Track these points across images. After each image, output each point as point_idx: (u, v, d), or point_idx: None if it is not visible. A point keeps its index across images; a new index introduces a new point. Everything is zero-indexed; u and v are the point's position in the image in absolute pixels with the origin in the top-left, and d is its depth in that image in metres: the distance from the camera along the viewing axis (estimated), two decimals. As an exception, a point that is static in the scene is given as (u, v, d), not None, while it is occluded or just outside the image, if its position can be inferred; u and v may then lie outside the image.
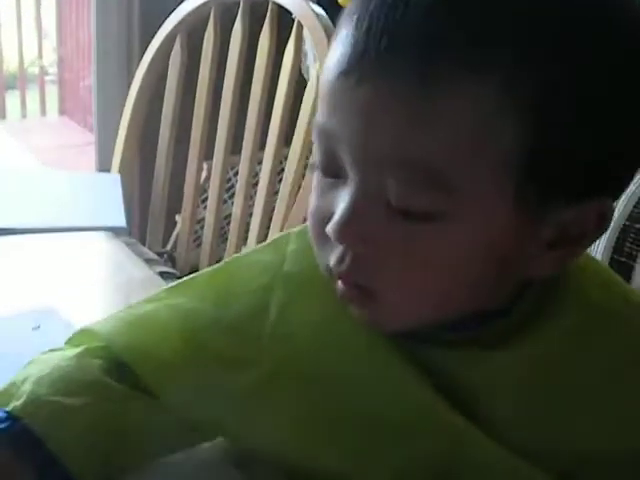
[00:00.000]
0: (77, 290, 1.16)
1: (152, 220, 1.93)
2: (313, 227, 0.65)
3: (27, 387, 0.71)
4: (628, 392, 0.71)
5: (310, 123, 1.57)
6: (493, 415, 0.69)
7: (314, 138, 0.63)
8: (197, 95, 1.84)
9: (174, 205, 1.97)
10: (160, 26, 1.86)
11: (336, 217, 0.61)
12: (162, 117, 1.90)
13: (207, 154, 1.86)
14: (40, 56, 5.43)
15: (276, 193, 1.71)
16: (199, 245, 1.99)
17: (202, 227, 1.94)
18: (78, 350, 0.75)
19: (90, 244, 1.33)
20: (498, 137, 0.56)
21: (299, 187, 1.61)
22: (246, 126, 1.74)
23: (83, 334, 0.78)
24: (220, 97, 1.79)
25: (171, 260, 1.90)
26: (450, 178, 0.57)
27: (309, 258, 0.70)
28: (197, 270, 1.73)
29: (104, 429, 0.71)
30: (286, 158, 1.66)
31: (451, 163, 0.56)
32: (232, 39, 1.76)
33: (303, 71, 2.15)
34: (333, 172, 0.62)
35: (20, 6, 5.29)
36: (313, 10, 1.56)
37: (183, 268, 1.83)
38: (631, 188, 1.27)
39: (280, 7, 1.65)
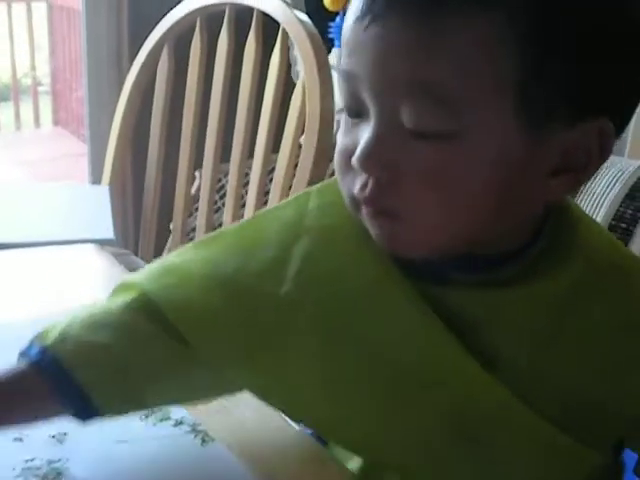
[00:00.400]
0: (67, 304, 1.16)
1: (144, 230, 1.94)
2: (339, 163, 0.72)
3: (60, 327, 0.78)
4: (628, 344, 0.76)
5: (297, 129, 1.58)
6: (499, 357, 0.74)
7: (339, 82, 0.71)
8: (185, 104, 1.85)
9: (168, 214, 1.97)
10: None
11: (359, 148, 0.68)
12: (151, 126, 1.91)
13: (198, 162, 1.86)
14: (33, 68, 5.43)
15: (266, 202, 1.71)
16: (192, 254, 1.98)
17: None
18: (113, 299, 0.81)
19: (78, 257, 1.33)
20: (500, 63, 0.63)
21: (288, 193, 1.61)
22: (234, 133, 1.75)
23: (122, 287, 0.83)
24: (208, 105, 1.80)
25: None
26: (458, 100, 0.64)
27: (330, 212, 0.78)
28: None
29: (127, 366, 0.77)
30: (275, 164, 1.67)
31: (458, 86, 0.64)
32: (218, 47, 1.77)
33: (293, 76, 2.15)
34: (356, 112, 0.69)
35: (12, 18, 5.30)
36: (297, 17, 1.57)
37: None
38: (616, 187, 1.27)
39: (265, 15, 1.65)
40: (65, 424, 0.89)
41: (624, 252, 0.82)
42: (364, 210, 0.71)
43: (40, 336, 0.78)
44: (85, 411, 0.77)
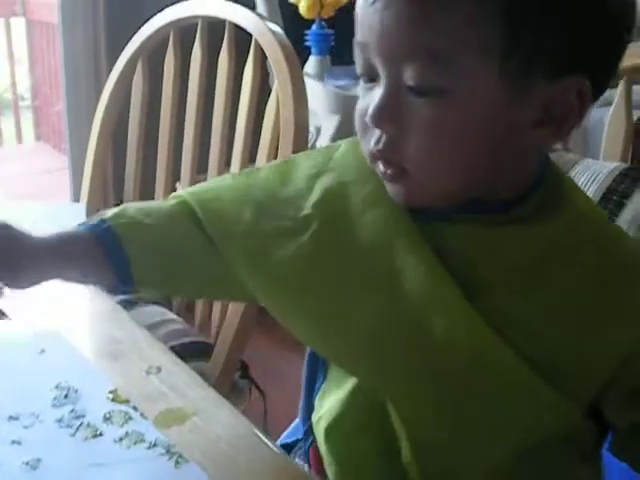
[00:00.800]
0: (43, 321, 1.16)
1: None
2: (357, 122, 0.84)
3: (118, 208, 0.92)
4: (606, 298, 0.83)
5: (272, 139, 1.57)
6: (486, 294, 0.82)
7: (355, 52, 0.83)
8: (161, 116, 1.84)
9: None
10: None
11: (371, 107, 0.80)
12: (128, 139, 1.90)
13: (176, 174, 1.86)
14: (13, 83, 5.41)
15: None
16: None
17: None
18: (164, 201, 0.97)
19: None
20: (483, 29, 0.75)
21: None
22: (211, 144, 1.74)
23: (170, 197, 0.97)
24: (184, 117, 1.79)
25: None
26: (453, 61, 0.76)
27: (351, 159, 0.92)
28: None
29: (167, 249, 0.91)
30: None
31: (454, 51, 0.75)
32: (192, 60, 1.76)
33: (271, 84, 2.14)
34: (370, 77, 0.82)
35: (-10, 34, 5.28)
36: (269, 28, 1.56)
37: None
38: (592, 189, 1.27)
39: (238, 27, 1.65)
40: (38, 450, 0.89)
41: (605, 217, 0.93)
42: (380, 167, 0.83)
43: (99, 214, 0.92)
44: (124, 282, 0.90)
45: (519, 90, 0.78)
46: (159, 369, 1.03)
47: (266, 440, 0.91)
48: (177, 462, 0.87)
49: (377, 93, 0.80)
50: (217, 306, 1.67)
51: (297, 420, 1.07)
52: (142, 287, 0.93)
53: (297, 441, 1.03)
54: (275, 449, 0.91)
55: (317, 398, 0.94)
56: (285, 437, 1.08)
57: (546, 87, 0.78)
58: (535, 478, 0.87)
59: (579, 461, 0.88)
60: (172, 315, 1.71)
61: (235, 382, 1.62)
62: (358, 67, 0.83)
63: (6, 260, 0.85)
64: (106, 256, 0.88)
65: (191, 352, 1.55)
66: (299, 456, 1.01)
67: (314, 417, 0.93)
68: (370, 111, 0.80)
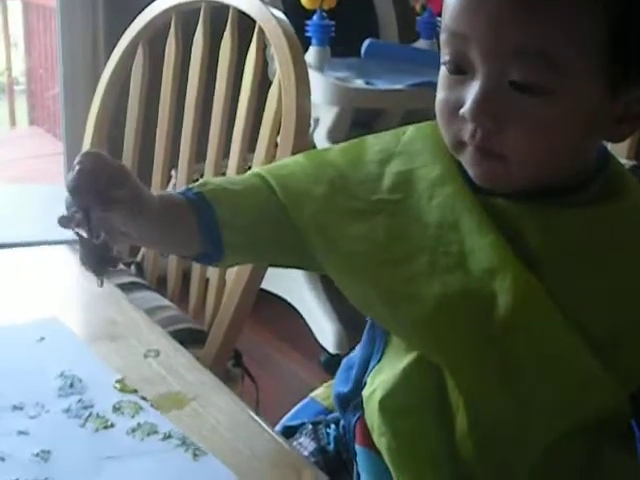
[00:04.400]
0: (38, 305, 1.15)
1: (119, 230, 1.91)
2: (442, 113, 0.85)
3: (202, 180, 0.97)
4: None
5: (273, 129, 1.56)
6: (540, 270, 0.83)
7: (443, 42, 0.83)
8: (161, 102, 1.82)
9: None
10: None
11: (469, 103, 0.81)
12: (126, 124, 1.88)
13: (174, 161, 1.84)
14: (8, 67, 5.38)
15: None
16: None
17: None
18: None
19: (50, 258, 1.31)
20: (596, 34, 0.77)
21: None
22: (210, 132, 1.73)
23: (248, 173, 1.01)
24: (184, 104, 1.78)
25: (140, 270, 1.88)
26: (558, 62, 0.77)
27: (417, 146, 0.94)
28: (164, 279, 1.71)
29: (250, 212, 0.95)
30: (251, 164, 1.65)
31: (564, 52, 0.77)
32: (194, 45, 1.75)
33: (270, 75, 2.13)
34: (460, 69, 0.82)
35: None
36: (273, 15, 1.55)
37: (151, 278, 1.82)
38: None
39: (241, 13, 1.64)
40: (47, 442, 0.86)
41: None
42: (470, 152, 0.84)
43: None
44: (214, 246, 0.93)
45: (614, 91, 0.81)
46: (157, 352, 1.03)
47: (265, 425, 0.91)
48: (195, 454, 0.85)
49: (472, 87, 0.81)
50: (211, 293, 1.66)
51: (301, 404, 1.07)
52: (230, 252, 0.95)
53: (302, 424, 1.03)
54: (274, 434, 0.90)
55: (370, 376, 0.93)
56: (288, 420, 1.07)
57: (632, 90, 0.82)
58: (580, 461, 0.88)
59: (615, 449, 0.89)
60: (166, 301, 1.70)
61: (228, 370, 1.61)
62: (446, 55, 0.83)
63: (128, 208, 0.85)
64: (198, 219, 0.92)
65: (185, 339, 1.54)
66: (305, 434, 1.01)
67: (365, 391, 0.93)
68: (469, 107, 0.81)
